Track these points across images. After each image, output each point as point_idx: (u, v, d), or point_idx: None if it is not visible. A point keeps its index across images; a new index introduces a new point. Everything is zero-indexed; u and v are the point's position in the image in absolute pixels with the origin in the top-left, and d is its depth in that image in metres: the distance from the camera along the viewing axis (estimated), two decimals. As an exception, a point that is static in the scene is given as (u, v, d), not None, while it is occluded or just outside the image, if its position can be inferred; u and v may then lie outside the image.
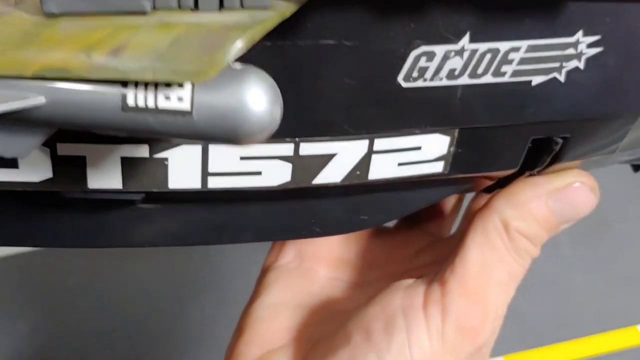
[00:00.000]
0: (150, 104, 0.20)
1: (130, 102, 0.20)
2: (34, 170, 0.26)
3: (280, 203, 0.31)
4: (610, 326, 0.71)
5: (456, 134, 0.29)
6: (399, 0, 0.24)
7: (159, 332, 0.75)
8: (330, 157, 0.28)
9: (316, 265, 0.37)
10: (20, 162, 0.26)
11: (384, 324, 0.30)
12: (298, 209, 0.31)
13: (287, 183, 0.28)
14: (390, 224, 0.40)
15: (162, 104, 0.20)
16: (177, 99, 0.20)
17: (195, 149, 0.26)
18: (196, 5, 0.21)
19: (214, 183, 0.28)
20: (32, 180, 0.26)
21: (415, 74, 0.26)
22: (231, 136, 0.21)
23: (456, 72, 0.26)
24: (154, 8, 0.20)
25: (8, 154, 0.22)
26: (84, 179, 0.27)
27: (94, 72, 0.20)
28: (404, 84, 0.26)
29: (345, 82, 0.26)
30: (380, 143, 0.28)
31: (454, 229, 0.40)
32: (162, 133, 0.21)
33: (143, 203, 0.29)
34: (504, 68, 0.27)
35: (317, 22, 0.24)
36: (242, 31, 0.20)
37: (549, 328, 0.66)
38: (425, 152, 0.29)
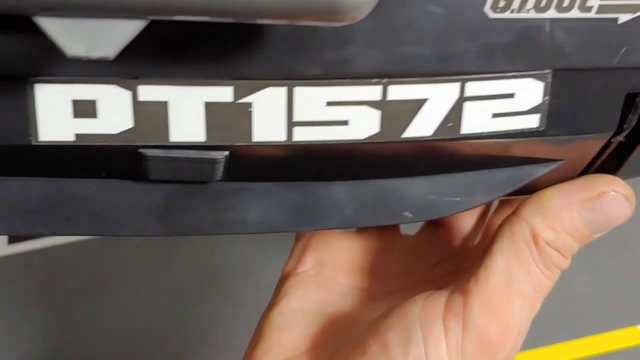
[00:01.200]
0: None
1: None
2: (113, 119, 0.25)
3: (367, 183, 0.29)
4: (610, 326, 0.72)
5: (550, 79, 0.27)
6: None
7: (164, 333, 0.73)
8: (420, 102, 0.26)
9: (336, 274, 0.36)
10: (100, 110, 0.25)
11: (401, 336, 0.29)
12: (386, 189, 0.29)
13: (375, 135, 0.26)
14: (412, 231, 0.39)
15: None
16: None
17: (280, 92, 0.25)
18: None
19: (299, 134, 0.26)
20: (110, 132, 0.25)
21: (501, 3, 0.25)
22: (332, 2, 0.20)
23: (542, 4, 0.25)
24: None
25: (97, 52, 0.21)
26: (165, 129, 0.25)
27: None
28: (491, 14, 0.25)
29: (431, 11, 0.25)
30: (472, 87, 0.26)
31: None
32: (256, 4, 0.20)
33: (225, 172, 0.27)
34: (590, 2, 0.26)
35: None
36: None
37: (550, 328, 0.64)
38: (519, 100, 0.27)
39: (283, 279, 0.36)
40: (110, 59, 0.21)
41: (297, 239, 0.38)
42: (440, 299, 0.30)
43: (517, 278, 0.29)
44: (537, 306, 0.30)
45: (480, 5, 0.25)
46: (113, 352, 0.71)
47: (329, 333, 0.33)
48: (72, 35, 0.21)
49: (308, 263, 0.36)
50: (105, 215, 0.28)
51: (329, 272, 0.36)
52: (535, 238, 0.29)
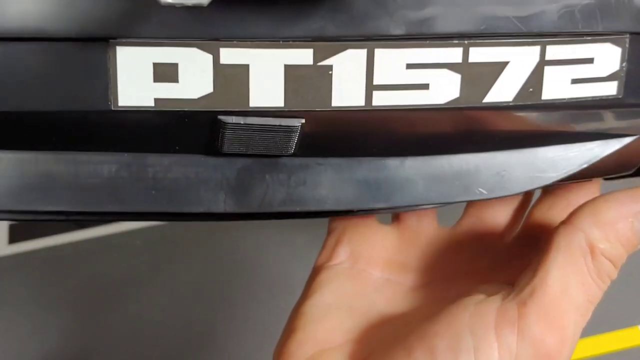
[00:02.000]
0: None
1: None
2: (194, 83, 0.25)
3: (440, 159, 0.29)
4: (611, 326, 0.71)
5: (627, 45, 0.27)
6: None
7: (167, 332, 0.71)
8: (501, 66, 0.26)
9: (370, 267, 0.35)
10: (181, 73, 0.24)
11: (450, 343, 0.28)
12: (459, 165, 0.29)
13: (456, 100, 0.26)
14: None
15: None
16: None
17: (361, 54, 0.25)
18: None
19: (379, 99, 0.26)
20: (190, 97, 0.25)
21: None
22: None
23: None
24: None
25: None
26: (246, 94, 0.25)
27: None
28: None
29: None
30: (552, 51, 0.26)
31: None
32: None
33: (298, 146, 0.26)
34: None
35: None
36: None
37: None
38: (598, 66, 0.27)
39: (315, 272, 0.35)
40: (205, 6, 0.21)
41: (330, 231, 0.37)
42: (491, 306, 0.29)
43: (572, 289, 0.29)
44: (588, 316, 0.29)
45: None
46: (114, 352, 0.70)
47: (365, 327, 0.32)
48: None
49: (342, 255, 0.35)
50: (177, 192, 0.27)
51: (363, 265, 0.35)
52: (592, 249, 0.29)
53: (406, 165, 0.28)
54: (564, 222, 0.30)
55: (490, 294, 0.30)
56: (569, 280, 0.28)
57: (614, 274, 0.29)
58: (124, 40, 0.24)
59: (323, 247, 0.37)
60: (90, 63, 0.24)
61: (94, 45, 0.24)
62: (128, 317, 0.73)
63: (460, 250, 0.36)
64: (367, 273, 0.35)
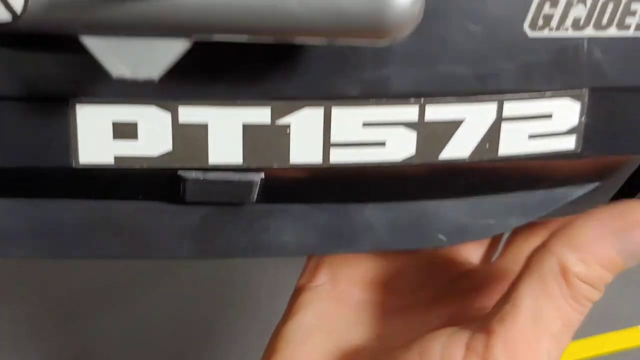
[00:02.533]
0: None
1: None
2: (153, 141, 0.25)
3: (401, 205, 0.29)
4: (612, 327, 0.72)
5: (586, 99, 0.27)
6: None
7: (166, 336, 0.72)
8: (457, 123, 0.26)
9: (351, 288, 0.35)
10: (140, 131, 0.25)
11: None
12: (420, 211, 0.29)
13: (412, 157, 0.26)
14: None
15: None
16: None
17: (318, 113, 0.25)
18: None
19: (336, 156, 0.26)
20: (150, 155, 0.25)
21: (540, 22, 0.25)
22: (376, 20, 0.20)
23: (581, 22, 0.25)
24: None
25: (142, 72, 0.21)
26: (204, 151, 0.25)
27: None
28: (530, 33, 0.25)
29: (470, 29, 0.25)
30: (509, 107, 0.26)
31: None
32: (304, 19, 0.20)
33: (260, 195, 0.27)
34: (628, 20, 0.26)
35: None
36: None
37: None
38: (556, 121, 0.27)
39: (297, 293, 0.36)
40: (155, 80, 0.21)
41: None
42: (462, 337, 0.29)
43: (545, 315, 0.28)
44: (567, 341, 0.28)
45: (519, 23, 0.25)
46: (114, 351, 0.71)
47: (344, 350, 0.33)
48: (117, 56, 0.21)
49: (323, 277, 0.36)
50: (141, 238, 0.28)
51: (343, 286, 0.36)
52: (565, 273, 0.28)
53: (366, 212, 0.29)
54: (539, 246, 0.29)
55: (466, 322, 0.30)
56: (542, 306, 0.28)
57: (596, 295, 0.28)
58: (83, 99, 0.24)
59: (304, 268, 0.37)
60: (51, 121, 0.25)
61: (55, 103, 0.24)
62: (128, 318, 0.74)
63: (440, 272, 0.37)
64: (348, 294, 0.35)
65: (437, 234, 0.29)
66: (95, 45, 0.21)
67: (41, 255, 0.27)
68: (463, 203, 0.29)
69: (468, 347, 0.28)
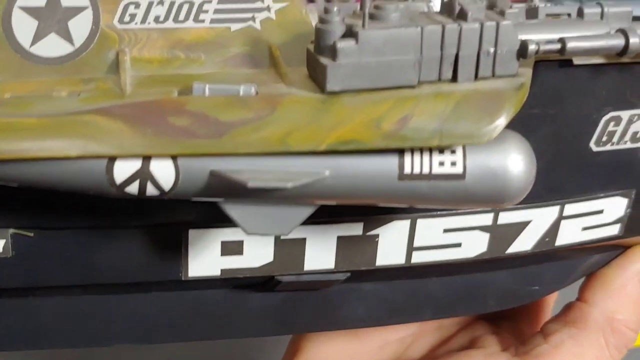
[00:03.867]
0: (425, 170, 0.22)
1: (407, 170, 0.22)
2: (257, 254, 0.27)
3: (459, 277, 0.32)
4: None
5: (633, 195, 0.30)
6: (598, 71, 0.26)
7: None
8: (525, 224, 0.29)
9: None
10: (246, 248, 0.27)
11: None
12: (475, 282, 0.32)
13: (483, 253, 0.29)
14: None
15: (437, 169, 0.22)
16: (450, 164, 0.22)
17: (404, 224, 0.28)
18: (455, 77, 0.22)
19: (417, 257, 0.29)
20: (253, 266, 0.27)
21: (604, 138, 0.28)
22: (497, 197, 0.22)
23: (638, 135, 0.28)
24: (419, 82, 0.22)
25: (274, 231, 0.23)
26: (301, 260, 0.27)
27: (384, 142, 0.21)
28: (595, 148, 0.28)
29: (546, 149, 0.27)
30: (569, 208, 0.29)
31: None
32: (433, 199, 0.22)
33: (344, 283, 0.29)
34: None
35: (528, 95, 0.26)
36: (512, 96, 0.22)
37: None
38: (606, 215, 0.30)
39: None
40: (286, 235, 0.23)
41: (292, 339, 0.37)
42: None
43: None
44: None
45: (586, 141, 0.28)
46: (115, 351, 0.71)
47: (369, 350, 0.35)
48: (252, 219, 0.23)
49: None
50: (229, 322, 0.30)
51: None
52: (612, 323, 0.30)
53: (429, 285, 0.32)
54: (576, 301, 0.32)
55: (496, 346, 0.33)
56: (585, 353, 0.30)
57: (632, 342, 0.31)
58: (196, 225, 0.26)
59: (285, 352, 0.37)
60: (167, 243, 0.26)
61: (172, 229, 0.26)
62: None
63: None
64: None
65: (489, 300, 0.33)
66: (233, 210, 0.22)
67: (146, 341, 0.29)
68: (513, 273, 0.32)
69: None
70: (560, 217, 0.29)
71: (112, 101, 0.22)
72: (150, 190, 0.22)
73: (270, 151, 0.21)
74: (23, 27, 0.23)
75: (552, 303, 0.39)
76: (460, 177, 0.22)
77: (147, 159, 0.21)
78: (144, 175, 0.21)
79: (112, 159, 0.21)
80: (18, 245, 0.25)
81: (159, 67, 0.24)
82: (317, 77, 0.22)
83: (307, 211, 0.23)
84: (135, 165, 0.21)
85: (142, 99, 0.22)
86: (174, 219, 0.26)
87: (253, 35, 0.24)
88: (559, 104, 0.26)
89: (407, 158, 0.22)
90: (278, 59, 0.24)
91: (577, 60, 0.25)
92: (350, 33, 0.22)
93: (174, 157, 0.21)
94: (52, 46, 0.23)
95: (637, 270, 0.32)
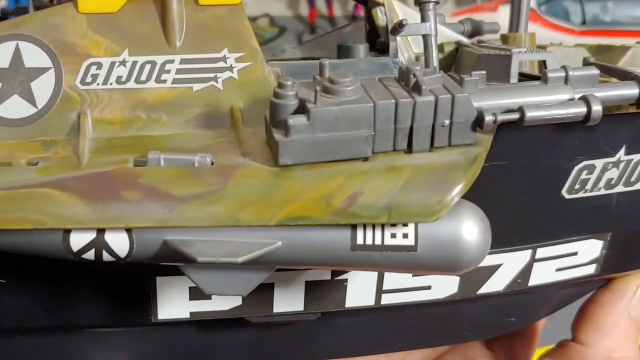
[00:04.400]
0: (378, 242, 0.22)
1: (359, 241, 0.22)
2: (225, 299, 0.28)
3: (435, 309, 0.32)
4: None
5: (609, 238, 0.30)
6: (568, 124, 0.26)
7: None
8: (495, 267, 0.29)
9: None
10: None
11: None
12: (452, 316, 0.33)
13: (453, 295, 0.29)
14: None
15: (388, 241, 0.22)
16: (402, 236, 0.22)
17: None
18: (410, 148, 0.22)
19: (387, 299, 0.29)
20: (221, 309, 0.28)
21: (577, 186, 0.28)
22: (450, 267, 0.23)
23: (612, 182, 0.28)
24: (373, 152, 0.22)
25: (232, 292, 0.24)
26: (270, 304, 0.28)
27: (333, 219, 0.21)
28: (567, 196, 0.28)
29: (516, 198, 0.27)
30: (541, 252, 0.29)
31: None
32: (385, 267, 0.23)
33: (315, 322, 0.30)
34: None
35: (496, 147, 0.26)
36: (464, 171, 0.22)
37: (553, 328, 0.67)
38: (580, 256, 0.30)
39: None
40: (244, 296, 0.24)
41: None
42: None
43: None
44: None
45: (558, 189, 0.27)
46: None
47: None
48: (212, 282, 0.23)
49: None
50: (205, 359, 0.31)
51: None
52: None
53: (403, 317, 0.32)
54: (572, 340, 0.32)
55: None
56: None
57: None
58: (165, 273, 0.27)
59: None
60: (136, 288, 0.27)
61: (141, 277, 0.27)
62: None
63: None
64: None
65: (464, 332, 0.33)
66: (192, 273, 0.23)
67: None
68: (488, 307, 0.33)
69: None
70: (533, 260, 0.30)
71: (68, 172, 0.22)
72: (107, 257, 0.22)
73: (221, 225, 0.22)
74: None
75: (544, 322, 0.39)
76: (412, 248, 0.22)
77: (101, 231, 0.22)
78: (99, 244, 0.22)
79: (67, 231, 0.22)
80: None
81: (121, 128, 0.24)
82: (271, 148, 0.23)
83: (264, 274, 0.23)
84: (90, 235, 0.22)
85: (97, 170, 0.22)
86: (143, 267, 0.26)
87: (215, 95, 0.25)
88: (529, 155, 0.26)
89: (360, 230, 0.22)
90: (238, 122, 0.24)
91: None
92: (302, 109, 0.22)
93: (127, 229, 0.22)
94: (15, 108, 0.24)
95: (625, 305, 0.32)
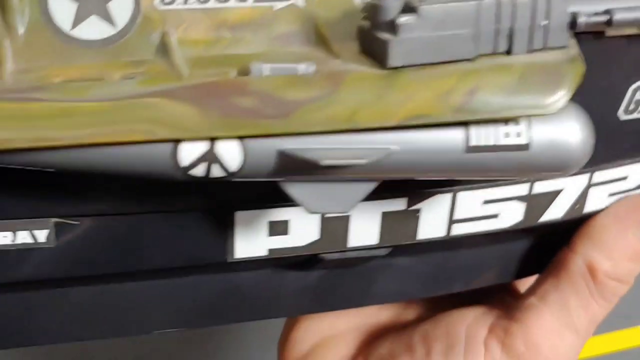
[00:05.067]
0: (491, 142, 0.22)
1: (473, 142, 0.22)
2: (303, 234, 0.27)
3: (496, 246, 0.32)
4: (613, 327, 0.73)
5: None
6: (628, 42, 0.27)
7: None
8: (557, 193, 0.30)
9: None
10: (292, 227, 0.27)
11: (445, 347, 0.31)
12: (499, 252, 0.33)
13: (518, 223, 0.30)
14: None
15: (502, 141, 0.22)
16: (516, 135, 0.22)
17: (446, 198, 0.28)
18: (509, 50, 0.23)
19: (456, 230, 0.29)
20: (299, 245, 0.27)
21: (632, 107, 0.28)
22: (559, 166, 0.23)
23: None
24: (476, 55, 0.22)
25: (336, 209, 0.23)
26: (345, 238, 0.28)
27: (454, 115, 0.21)
28: (623, 117, 0.29)
29: None
30: (598, 175, 0.30)
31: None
32: (498, 170, 0.23)
33: (384, 258, 0.30)
34: None
35: None
36: (571, 69, 0.22)
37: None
38: (630, 181, 0.31)
39: None
40: (347, 214, 0.23)
41: None
42: (487, 320, 0.32)
43: (572, 312, 0.30)
44: (589, 336, 0.31)
45: (614, 110, 0.28)
46: (115, 351, 0.72)
47: (369, 320, 0.35)
48: (315, 199, 0.23)
49: None
50: (268, 301, 0.30)
51: None
52: (592, 272, 0.29)
53: (459, 257, 0.32)
54: (564, 248, 0.31)
55: (489, 307, 0.33)
56: (569, 304, 0.30)
57: (624, 290, 0.30)
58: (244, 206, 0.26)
59: None
60: (214, 226, 0.26)
61: (219, 212, 0.26)
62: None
63: None
64: None
65: (519, 266, 0.33)
66: (294, 190, 0.22)
67: (186, 326, 0.29)
68: (546, 234, 0.33)
69: (490, 330, 0.31)
70: (589, 185, 0.30)
71: (171, 83, 0.21)
72: (216, 172, 0.21)
73: (338, 129, 0.21)
74: (61, 9, 0.22)
75: None
76: (525, 147, 0.22)
77: (213, 140, 0.21)
78: (210, 157, 0.21)
79: (177, 142, 0.21)
80: (62, 234, 0.25)
81: (206, 48, 0.24)
82: (374, 53, 0.22)
83: (368, 188, 0.23)
84: (201, 147, 0.21)
85: (201, 81, 0.21)
86: (221, 201, 0.25)
87: (296, 12, 0.24)
88: (587, 74, 0.27)
89: (474, 131, 0.22)
90: (324, 37, 0.24)
91: (609, 32, 0.26)
92: (409, 8, 0.22)
93: (240, 138, 0.21)
94: (94, 29, 0.23)
95: (634, 222, 0.30)
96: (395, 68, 0.22)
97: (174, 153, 0.21)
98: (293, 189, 0.22)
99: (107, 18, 0.23)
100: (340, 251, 0.28)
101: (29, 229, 0.24)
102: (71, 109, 0.20)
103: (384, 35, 0.22)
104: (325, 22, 0.25)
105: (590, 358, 0.67)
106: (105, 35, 0.23)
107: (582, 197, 0.30)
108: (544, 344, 0.30)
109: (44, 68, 0.22)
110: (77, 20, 0.23)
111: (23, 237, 0.24)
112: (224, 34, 0.24)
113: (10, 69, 0.21)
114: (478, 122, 0.22)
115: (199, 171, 0.21)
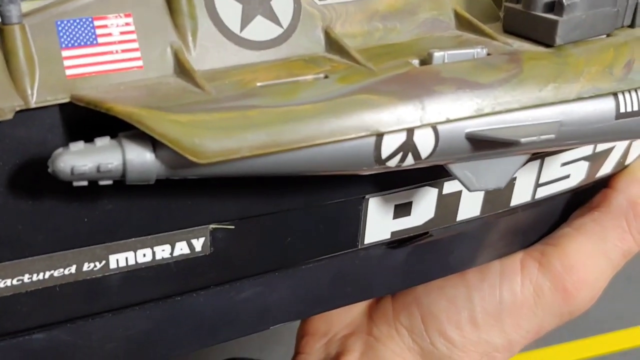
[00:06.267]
0: (636, 107, 0.24)
1: (622, 109, 0.24)
2: (422, 213, 0.28)
3: (537, 209, 0.35)
4: (614, 327, 0.75)
5: None
6: None
7: None
8: (611, 149, 0.32)
9: None
10: (414, 208, 0.27)
11: (481, 267, 0.32)
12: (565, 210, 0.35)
13: (583, 180, 0.32)
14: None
15: None
16: None
17: (535, 164, 0.30)
18: (632, 24, 0.25)
19: (540, 193, 0.31)
20: (416, 224, 0.28)
21: None
22: None
23: None
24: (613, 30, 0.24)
25: (493, 185, 0.24)
26: (455, 212, 0.29)
27: (617, 86, 0.23)
28: None
29: None
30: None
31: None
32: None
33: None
34: None
35: None
36: None
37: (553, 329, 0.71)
38: None
39: None
40: (502, 188, 0.24)
41: None
42: (520, 252, 0.33)
43: (608, 243, 0.31)
44: (619, 267, 0.33)
45: None
46: None
47: None
48: (476, 178, 0.23)
49: None
50: (371, 282, 0.30)
51: None
52: (634, 206, 0.31)
53: (519, 219, 0.34)
54: (605, 188, 0.33)
55: None
56: (607, 235, 0.31)
57: None
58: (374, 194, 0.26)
59: None
60: (346, 216, 0.26)
61: (351, 202, 0.26)
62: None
63: None
64: None
65: None
66: (458, 170, 0.23)
67: (297, 317, 0.29)
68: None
69: (526, 252, 0.32)
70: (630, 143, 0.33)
71: (367, 79, 0.21)
72: (408, 160, 0.22)
73: (528, 106, 0.22)
74: (229, 12, 0.22)
75: None
76: None
77: (411, 130, 0.21)
78: (407, 146, 0.21)
79: (380, 135, 0.21)
80: (216, 240, 0.24)
81: (362, 40, 0.23)
82: (535, 32, 0.23)
83: (520, 162, 0.24)
84: (401, 137, 0.21)
85: (394, 73, 0.21)
86: (357, 188, 0.26)
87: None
88: None
89: (622, 99, 0.24)
90: (469, 19, 0.24)
91: None
92: None
93: (433, 125, 0.21)
94: (261, 29, 0.22)
95: None
96: (559, 46, 0.23)
97: (379, 145, 0.21)
98: (458, 170, 0.23)
99: (272, 18, 0.22)
100: (448, 226, 0.29)
101: (188, 238, 0.23)
102: (290, 112, 0.19)
103: (551, 16, 0.23)
104: (465, 7, 0.25)
105: (590, 358, 0.67)
106: (273, 35, 0.22)
107: (627, 151, 0.33)
108: (580, 266, 0.31)
109: (227, 73, 0.21)
110: (245, 22, 0.22)
111: (180, 248, 0.23)
112: (377, 25, 0.24)
113: (199, 76, 0.20)
114: (628, 91, 0.24)
115: (394, 162, 0.21)
